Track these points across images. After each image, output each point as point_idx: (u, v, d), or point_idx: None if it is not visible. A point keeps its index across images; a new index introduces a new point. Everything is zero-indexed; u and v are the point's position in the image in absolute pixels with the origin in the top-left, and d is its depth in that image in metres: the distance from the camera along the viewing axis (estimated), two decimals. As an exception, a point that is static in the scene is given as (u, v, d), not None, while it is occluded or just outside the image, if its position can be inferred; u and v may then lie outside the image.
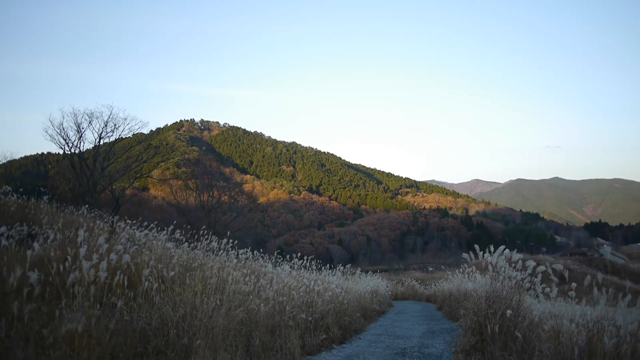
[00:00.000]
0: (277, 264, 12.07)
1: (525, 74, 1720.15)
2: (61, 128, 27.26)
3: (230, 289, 7.15)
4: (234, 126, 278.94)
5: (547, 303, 7.93)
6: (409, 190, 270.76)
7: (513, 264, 7.53)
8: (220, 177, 60.15)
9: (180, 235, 11.00)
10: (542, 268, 7.05)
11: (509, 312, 6.59)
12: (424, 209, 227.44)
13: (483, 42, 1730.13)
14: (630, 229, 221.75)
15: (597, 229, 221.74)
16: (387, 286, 28.00)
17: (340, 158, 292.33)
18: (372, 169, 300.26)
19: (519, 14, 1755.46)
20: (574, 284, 6.22)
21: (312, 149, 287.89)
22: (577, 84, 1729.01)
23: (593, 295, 5.47)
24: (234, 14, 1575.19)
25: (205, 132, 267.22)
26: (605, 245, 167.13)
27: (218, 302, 6.42)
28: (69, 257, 5.42)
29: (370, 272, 27.31)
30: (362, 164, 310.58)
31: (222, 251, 9.88)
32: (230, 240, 10.48)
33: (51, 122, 26.94)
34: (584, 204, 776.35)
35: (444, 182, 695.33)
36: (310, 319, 8.87)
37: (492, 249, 8.14)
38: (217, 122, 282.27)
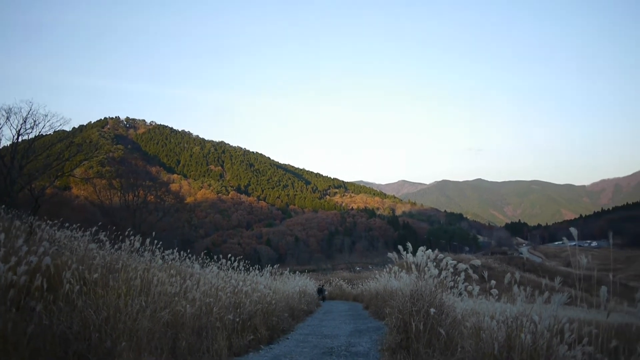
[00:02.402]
0: (205, 264, 11.89)
1: (450, 78, 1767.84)
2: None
3: (156, 290, 7.01)
4: (161, 125, 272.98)
5: (470, 301, 8.14)
6: (337, 190, 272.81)
7: (435, 263, 7.72)
8: (146, 177, 58.69)
9: (103, 236, 10.67)
10: (464, 267, 7.26)
11: (432, 310, 6.74)
12: (352, 209, 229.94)
13: (412, 46, 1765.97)
14: (547, 229, 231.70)
15: (516, 228, 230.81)
16: (315, 286, 28.14)
17: (269, 158, 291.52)
18: (301, 169, 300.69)
19: (441, 17, 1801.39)
20: (493, 282, 6.43)
21: (241, 148, 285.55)
22: (499, 89, 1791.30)
23: (512, 293, 5.66)
24: (162, 10, 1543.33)
25: (131, 131, 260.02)
26: (524, 245, 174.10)
27: (143, 304, 6.27)
28: (-17, 260, 5.18)
29: (298, 272, 27.31)
30: (291, 164, 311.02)
31: (147, 252, 9.65)
32: (156, 241, 10.26)
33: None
34: (505, 204, 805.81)
35: (372, 183, 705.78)
36: (237, 319, 8.79)
37: (412, 248, 8.29)
38: (144, 120, 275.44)
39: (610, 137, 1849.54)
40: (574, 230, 4.89)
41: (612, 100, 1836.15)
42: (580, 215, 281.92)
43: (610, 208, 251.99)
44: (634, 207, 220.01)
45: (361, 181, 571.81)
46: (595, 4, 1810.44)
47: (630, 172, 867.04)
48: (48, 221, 11.83)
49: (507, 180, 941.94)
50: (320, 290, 31.30)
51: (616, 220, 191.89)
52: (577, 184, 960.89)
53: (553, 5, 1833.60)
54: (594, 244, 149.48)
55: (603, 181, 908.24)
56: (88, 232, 11.13)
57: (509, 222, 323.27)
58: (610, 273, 4.93)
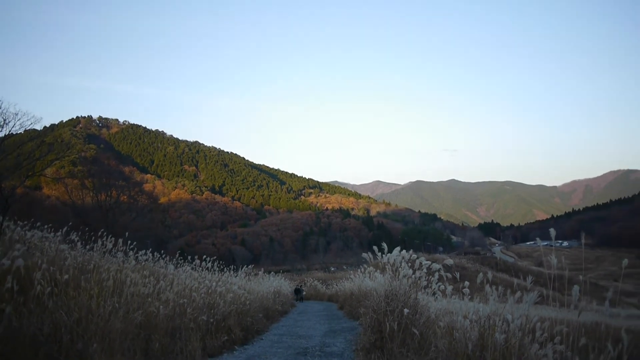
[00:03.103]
0: (179, 265, 11.81)
1: (426, 79, 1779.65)
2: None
3: (129, 291, 6.95)
4: (134, 124, 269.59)
5: (443, 300, 8.19)
6: (312, 191, 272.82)
7: (409, 264, 7.76)
8: (119, 176, 57.96)
9: (75, 237, 10.52)
10: (438, 267, 7.31)
11: (406, 310, 6.77)
12: (327, 209, 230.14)
13: (388, 48, 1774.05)
14: (520, 229, 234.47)
15: (489, 229, 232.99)
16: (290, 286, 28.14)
17: (243, 158, 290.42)
18: (276, 170, 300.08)
19: (415, 18, 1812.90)
20: (466, 282, 6.48)
21: (216, 148, 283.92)
22: (474, 90, 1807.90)
23: (485, 293, 5.71)
24: (135, 9, 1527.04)
25: (104, 130, 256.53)
26: (496, 245, 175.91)
27: (115, 305, 6.21)
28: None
29: (273, 272, 27.27)
30: (266, 164, 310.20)
31: (120, 253, 9.54)
32: (129, 242, 10.15)
33: None
34: (478, 205, 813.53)
35: (347, 183, 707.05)
36: (211, 320, 8.75)
37: (387, 248, 8.32)
38: (117, 120, 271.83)
39: (581, 139, 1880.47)
40: (552, 231, 4.95)
41: (583, 103, 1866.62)
42: (552, 215, 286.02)
43: (581, 209, 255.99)
44: (604, 207, 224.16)
45: (336, 181, 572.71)
46: (563, 2, 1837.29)
47: (600, 174, 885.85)
48: (18, 222, 11.62)
49: (480, 181, 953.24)
50: (297, 291, 31.25)
51: (586, 220, 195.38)
52: (548, 184, 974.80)
53: (524, 6, 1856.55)
54: (565, 243, 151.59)
55: (574, 182, 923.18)
56: (59, 233, 10.96)
57: (482, 222, 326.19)
58: (581, 273, 5.02)
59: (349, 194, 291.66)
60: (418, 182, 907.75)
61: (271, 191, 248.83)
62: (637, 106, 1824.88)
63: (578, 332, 4.39)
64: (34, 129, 33.17)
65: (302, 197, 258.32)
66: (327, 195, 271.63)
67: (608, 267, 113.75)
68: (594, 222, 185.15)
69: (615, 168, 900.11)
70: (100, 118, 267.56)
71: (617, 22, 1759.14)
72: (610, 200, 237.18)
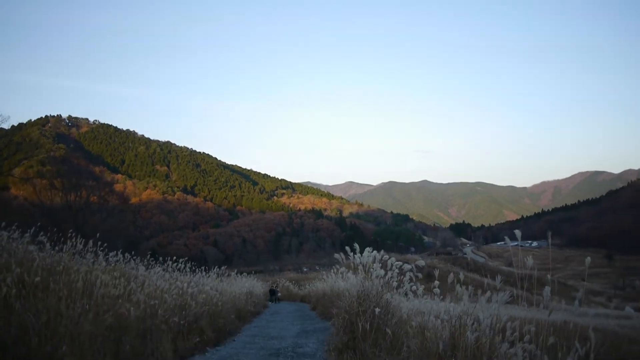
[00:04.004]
0: (150, 266, 11.69)
1: (399, 80, 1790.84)
2: None
3: (99, 293, 6.86)
4: (104, 123, 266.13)
5: (415, 300, 8.26)
6: (284, 191, 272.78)
7: (381, 264, 7.80)
8: (89, 176, 57.30)
9: (44, 238, 10.32)
10: (409, 267, 7.36)
11: (377, 310, 6.81)
12: (300, 210, 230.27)
13: (361, 47, 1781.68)
14: (490, 229, 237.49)
15: (461, 229, 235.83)
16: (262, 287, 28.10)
17: (216, 158, 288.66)
18: (248, 170, 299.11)
19: (388, 17, 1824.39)
20: (437, 282, 6.53)
21: (188, 148, 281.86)
22: (447, 92, 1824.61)
23: (456, 293, 5.76)
24: (105, 6, 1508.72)
25: (74, 129, 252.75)
26: (468, 245, 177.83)
27: (85, 307, 6.14)
28: None
29: (245, 273, 27.20)
30: (239, 164, 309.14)
31: (90, 254, 9.41)
32: (100, 242, 10.02)
33: None
34: (450, 205, 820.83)
35: (319, 184, 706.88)
36: (183, 322, 8.69)
37: (359, 249, 8.35)
38: (87, 119, 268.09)
39: (551, 141, 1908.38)
40: (518, 232, 5.02)
41: (553, 106, 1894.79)
42: (522, 216, 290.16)
43: (550, 209, 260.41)
44: (572, 208, 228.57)
45: (309, 182, 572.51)
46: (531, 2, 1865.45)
47: (568, 175, 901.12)
48: (-16, 222, 11.38)
49: (452, 182, 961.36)
50: (272, 292, 31.19)
51: (555, 221, 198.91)
52: (518, 185, 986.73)
53: (494, 6, 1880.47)
54: (535, 244, 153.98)
55: (543, 183, 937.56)
56: (27, 234, 10.76)
57: (453, 222, 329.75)
58: (549, 273, 5.09)
59: (321, 195, 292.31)
60: (390, 182, 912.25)
61: (244, 192, 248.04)
62: (605, 109, 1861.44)
63: (547, 331, 4.46)
64: (1, 128, 32.70)
65: (274, 197, 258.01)
66: (300, 195, 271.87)
67: (576, 267, 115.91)
68: (562, 223, 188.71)
69: (583, 169, 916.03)
70: (69, 117, 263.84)
71: (585, 22, 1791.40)
72: (579, 201, 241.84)
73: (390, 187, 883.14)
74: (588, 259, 4.56)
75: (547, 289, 4.38)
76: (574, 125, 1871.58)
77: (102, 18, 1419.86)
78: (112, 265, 9.93)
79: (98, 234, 10.49)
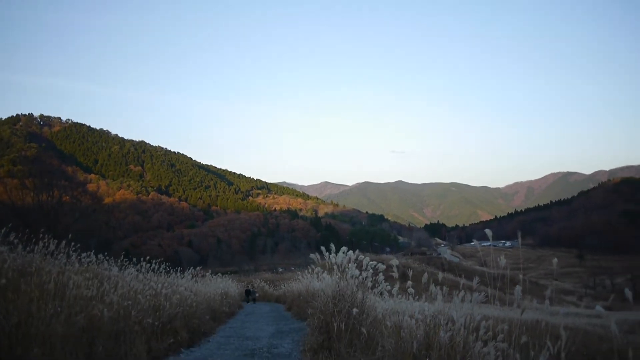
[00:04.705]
0: (123, 267, 11.58)
1: (375, 81, 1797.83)
2: None
3: (71, 294, 6.78)
4: (77, 123, 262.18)
5: (390, 300, 8.30)
6: (260, 191, 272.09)
7: (356, 264, 7.83)
8: (61, 176, 56.41)
9: (15, 239, 10.15)
10: (384, 267, 7.40)
11: (354, 310, 6.83)
12: (275, 210, 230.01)
13: (336, 47, 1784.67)
14: (465, 230, 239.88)
15: (435, 229, 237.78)
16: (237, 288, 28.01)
17: (190, 158, 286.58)
18: (224, 170, 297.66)
19: (364, 20, 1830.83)
20: (410, 282, 6.58)
21: (162, 148, 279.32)
22: (420, 92, 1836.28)
23: (431, 292, 5.81)
24: (78, 3, 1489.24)
25: (46, 128, 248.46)
26: (442, 245, 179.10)
27: (57, 308, 6.06)
28: None
29: (220, 274, 27.10)
30: (214, 164, 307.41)
31: (62, 254, 9.28)
32: (72, 243, 9.89)
33: None
34: (425, 206, 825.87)
35: (295, 184, 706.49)
36: (157, 323, 8.62)
37: (335, 249, 8.37)
38: (59, 118, 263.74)
39: (524, 142, 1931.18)
40: (488, 232, 5.09)
41: (526, 107, 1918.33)
42: (495, 216, 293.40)
43: (523, 209, 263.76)
44: (544, 208, 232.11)
45: (284, 182, 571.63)
46: (510, 4, 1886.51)
47: (541, 176, 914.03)
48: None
49: (427, 182, 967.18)
50: (248, 292, 31.07)
51: (528, 221, 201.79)
52: (492, 186, 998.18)
53: (467, 5, 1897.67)
54: (508, 243, 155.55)
55: (516, 184, 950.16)
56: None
57: (428, 223, 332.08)
58: (521, 272, 5.15)
59: (297, 195, 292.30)
60: (366, 183, 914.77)
61: (219, 192, 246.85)
62: (576, 110, 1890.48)
63: (519, 330, 4.52)
64: (-29, 127, 32.07)
65: (250, 197, 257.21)
66: (276, 196, 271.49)
67: (548, 266, 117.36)
68: (535, 223, 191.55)
69: (555, 170, 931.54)
70: (41, 116, 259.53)
71: (555, 24, 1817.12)
72: (551, 202, 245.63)
73: (365, 188, 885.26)
74: (555, 260, 4.65)
75: (519, 288, 4.45)
76: (546, 126, 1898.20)
77: (74, 16, 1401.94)
78: (85, 266, 9.82)
79: (70, 235, 10.37)
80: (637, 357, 3.78)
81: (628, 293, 3.50)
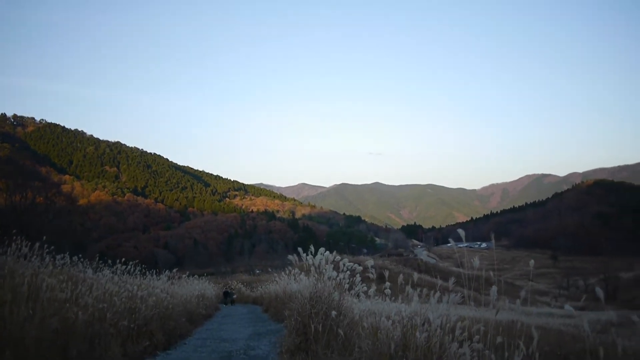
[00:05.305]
0: (99, 269, 11.46)
1: (351, 82, 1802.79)
2: None
3: (45, 296, 6.70)
4: (52, 123, 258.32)
5: (367, 301, 8.34)
6: (237, 193, 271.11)
7: (333, 265, 7.85)
8: (35, 177, 55.76)
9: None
10: (361, 268, 7.44)
11: (333, 312, 6.86)
12: (252, 211, 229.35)
13: (315, 49, 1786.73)
14: (441, 231, 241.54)
15: (412, 230, 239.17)
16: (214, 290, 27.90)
17: (167, 159, 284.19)
18: (201, 171, 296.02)
19: (340, 20, 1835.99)
20: (387, 283, 6.60)
21: (138, 149, 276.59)
22: (399, 95, 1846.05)
23: (407, 293, 5.84)
24: (49, 2, 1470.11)
25: (19, 129, 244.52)
26: (419, 246, 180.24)
27: (30, 311, 5.98)
28: None
29: (197, 276, 26.98)
30: (190, 165, 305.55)
31: (36, 256, 9.16)
32: (46, 245, 9.76)
33: None
34: (401, 207, 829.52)
35: (272, 186, 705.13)
36: (133, 325, 8.56)
37: (313, 250, 8.38)
38: (33, 118, 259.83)
39: (499, 144, 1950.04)
40: (461, 232, 5.16)
41: (501, 109, 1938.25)
42: (471, 217, 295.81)
43: (499, 211, 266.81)
44: (519, 210, 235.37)
45: (261, 184, 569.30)
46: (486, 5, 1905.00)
47: (516, 177, 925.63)
48: None
49: (404, 184, 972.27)
50: (226, 294, 30.94)
51: (503, 222, 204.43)
52: (468, 188, 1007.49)
53: (440, 6, 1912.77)
54: (484, 245, 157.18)
55: (492, 185, 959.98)
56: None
57: (405, 224, 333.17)
58: (495, 273, 5.21)
59: (274, 196, 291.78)
60: (343, 184, 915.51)
61: (195, 193, 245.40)
62: (551, 114, 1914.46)
63: (495, 330, 4.57)
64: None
65: (227, 199, 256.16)
66: (253, 197, 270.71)
67: (523, 267, 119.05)
68: (510, 224, 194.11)
69: (530, 172, 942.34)
70: (15, 116, 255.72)
71: (528, 26, 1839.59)
72: (526, 203, 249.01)
73: (342, 189, 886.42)
74: (532, 262, 4.72)
75: (494, 288, 4.50)
76: (521, 129, 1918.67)
77: (47, 15, 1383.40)
78: (59, 268, 9.71)
79: (44, 236, 10.23)
80: (609, 356, 3.84)
81: (599, 292, 3.57)
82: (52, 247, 9.98)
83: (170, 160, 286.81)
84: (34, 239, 9.63)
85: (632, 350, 9.40)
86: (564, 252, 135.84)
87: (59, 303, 7.07)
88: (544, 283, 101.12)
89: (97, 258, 12.54)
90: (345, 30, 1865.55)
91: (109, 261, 12.43)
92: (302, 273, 10.65)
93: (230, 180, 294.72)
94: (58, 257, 10.11)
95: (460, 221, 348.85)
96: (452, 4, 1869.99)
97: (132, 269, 12.35)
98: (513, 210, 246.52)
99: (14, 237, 9.28)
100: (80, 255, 11.88)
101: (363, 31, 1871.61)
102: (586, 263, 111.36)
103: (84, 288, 8.27)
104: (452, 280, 5.39)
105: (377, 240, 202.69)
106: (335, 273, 7.67)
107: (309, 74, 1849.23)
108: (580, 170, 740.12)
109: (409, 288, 5.78)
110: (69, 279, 8.40)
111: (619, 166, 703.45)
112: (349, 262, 7.89)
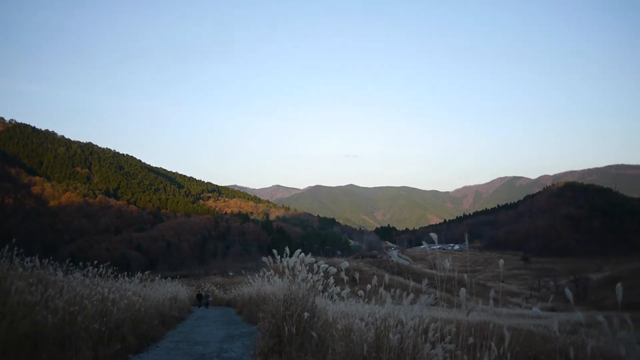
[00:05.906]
0: (69, 271, 11.31)
1: (325, 84, 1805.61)
2: None
3: (14, 300, 6.60)
4: (21, 123, 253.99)
5: (341, 303, 8.37)
6: (210, 195, 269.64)
7: (307, 267, 7.86)
8: (4, 178, 54.94)
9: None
10: (335, 270, 7.45)
11: (306, 314, 6.86)
12: (226, 213, 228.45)
13: (291, 50, 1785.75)
14: (414, 233, 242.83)
15: (386, 232, 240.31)
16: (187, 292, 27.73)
17: (140, 161, 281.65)
18: (174, 173, 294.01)
19: (317, 22, 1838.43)
20: (368, 286, 6.64)
21: (110, 150, 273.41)
22: (372, 97, 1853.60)
23: (381, 295, 5.87)
24: (22, 1, 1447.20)
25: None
26: (393, 248, 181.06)
27: (-1, 314, 5.89)
28: None
29: (170, 278, 26.75)
30: (164, 167, 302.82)
31: (4, 259, 9.00)
32: (15, 247, 9.60)
33: None
34: (375, 209, 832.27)
35: (246, 188, 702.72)
36: (104, 328, 8.46)
37: (288, 251, 8.39)
38: (2, 118, 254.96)
39: (472, 147, 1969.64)
40: (433, 235, 5.19)
41: (473, 112, 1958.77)
42: (445, 219, 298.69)
43: (471, 213, 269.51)
44: (492, 212, 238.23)
45: (235, 185, 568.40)
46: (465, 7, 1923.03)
47: (489, 180, 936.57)
48: None
49: (377, 186, 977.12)
50: (200, 296, 30.78)
51: (476, 224, 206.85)
52: (441, 190, 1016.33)
53: (415, 5, 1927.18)
54: (457, 246, 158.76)
55: (465, 188, 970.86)
56: None
57: (379, 226, 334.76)
58: (468, 274, 5.27)
59: (248, 198, 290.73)
60: (317, 186, 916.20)
61: (169, 195, 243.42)
62: (523, 117, 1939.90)
63: (467, 331, 4.62)
64: None
65: (200, 201, 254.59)
66: (226, 199, 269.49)
67: (495, 268, 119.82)
68: (483, 226, 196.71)
69: (502, 175, 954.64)
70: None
71: (509, 28, 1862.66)
72: (498, 205, 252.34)
73: (317, 191, 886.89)
74: (502, 262, 4.77)
75: (463, 290, 4.55)
76: (494, 131, 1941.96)
77: (18, 14, 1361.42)
78: (29, 270, 9.56)
79: (14, 238, 10.06)
80: (578, 357, 3.91)
81: (568, 293, 3.63)
82: (22, 249, 9.83)
83: (143, 161, 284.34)
84: (3, 241, 9.48)
85: (600, 351, 9.58)
86: (536, 253, 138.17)
87: (28, 306, 6.98)
88: (516, 284, 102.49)
89: (68, 260, 12.37)
90: (319, 35, 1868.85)
91: (81, 263, 12.26)
92: (277, 275, 10.63)
93: (203, 181, 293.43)
94: (28, 259, 9.96)
95: (434, 223, 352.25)
96: (426, 6, 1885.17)
97: (104, 272, 12.20)
98: (485, 212, 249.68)
99: (-18, 239, 9.12)
100: (50, 258, 11.72)
101: (337, 36, 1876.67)
102: (557, 264, 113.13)
103: (55, 291, 8.16)
104: (425, 281, 5.43)
105: (351, 242, 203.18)
106: (309, 275, 7.69)
107: (284, 76, 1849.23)
108: (551, 173, 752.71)
109: (382, 290, 5.81)
110: (39, 281, 8.29)
111: (588, 169, 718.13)
112: (323, 264, 7.91)
